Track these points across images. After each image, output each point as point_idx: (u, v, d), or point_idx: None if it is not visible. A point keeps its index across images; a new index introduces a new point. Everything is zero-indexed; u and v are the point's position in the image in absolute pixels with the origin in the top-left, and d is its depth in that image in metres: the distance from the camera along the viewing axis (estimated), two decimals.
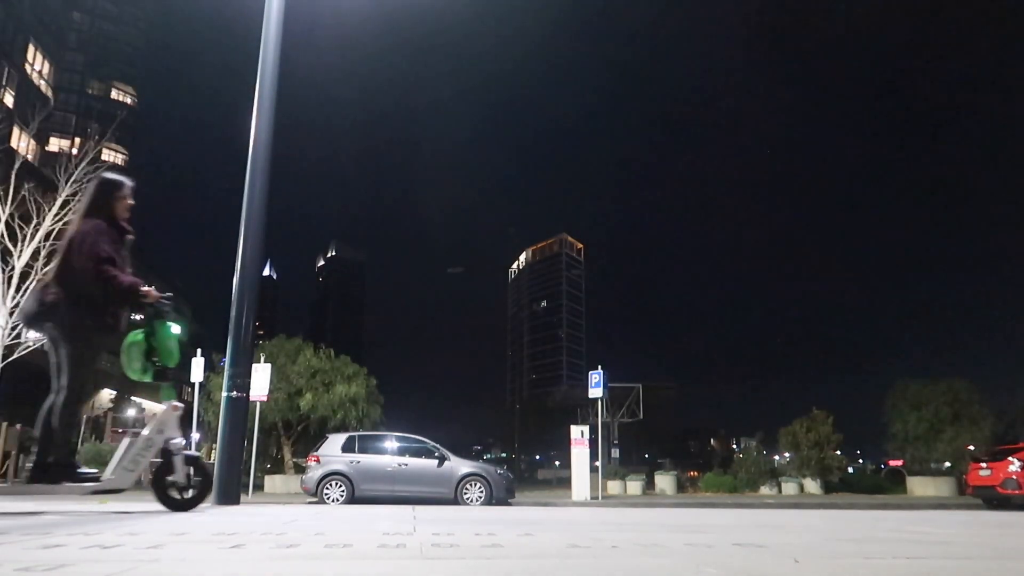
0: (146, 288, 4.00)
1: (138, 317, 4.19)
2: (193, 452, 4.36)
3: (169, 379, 4.16)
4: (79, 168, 14.23)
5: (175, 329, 4.09)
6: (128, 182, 4.20)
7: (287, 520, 3.53)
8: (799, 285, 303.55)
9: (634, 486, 19.78)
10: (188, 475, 4.09)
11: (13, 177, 13.73)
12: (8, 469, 20.95)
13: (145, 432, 4.01)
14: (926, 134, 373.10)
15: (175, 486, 4.07)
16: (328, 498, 11.56)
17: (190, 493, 4.11)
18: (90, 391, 4.03)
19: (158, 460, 4.09)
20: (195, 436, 20.74)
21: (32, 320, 3.95)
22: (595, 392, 15.61)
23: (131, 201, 4.20)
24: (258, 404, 13.10)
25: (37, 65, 53.96)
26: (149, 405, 52.06)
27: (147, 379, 4.08)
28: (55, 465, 3.80)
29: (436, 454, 12.36)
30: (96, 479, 3.87)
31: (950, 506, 13.66)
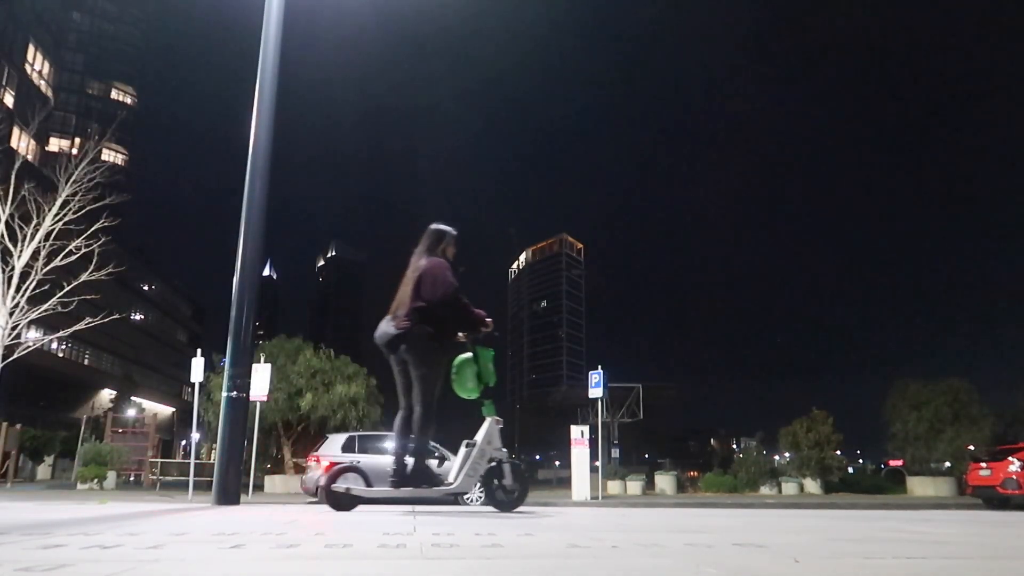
0: (489, 319, 4.63)
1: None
2: (515, 460, 4.92)
3: (491, 396, 4.69)
4: (79, 168, 14.19)
5: (492, 353, 4.67)
6: (453, 231, 4.78)
7: (287, 520, 3.53)
8: (799, 285, 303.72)
9: (634, 486, 19.77)
10: (513, 480, 4.69)
11: (13, 177, 13.69)
12: (8, 469, 20.96)
13: (477, 444, 4.60)
14: (926, 136, 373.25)
15: (503, 489, 4.67)
16: None
17: (515, 495, 4.71)
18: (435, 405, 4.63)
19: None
20: (195, 436, 20.75)
21: (389, 345, 4.43)
22: (595, 392, 15.58)
23: (455, 248, 4.77)
24: (258, 404, 13.09)
25: (37, 65, 54.02)
26: (149, 405, 52.12)
27: (475, 396, 4.61)
28: (416, 470, 4.45)
29: (436, 454, 12.34)
30: (447, 483, 4.55)
31: (950, 506, 13.64)
